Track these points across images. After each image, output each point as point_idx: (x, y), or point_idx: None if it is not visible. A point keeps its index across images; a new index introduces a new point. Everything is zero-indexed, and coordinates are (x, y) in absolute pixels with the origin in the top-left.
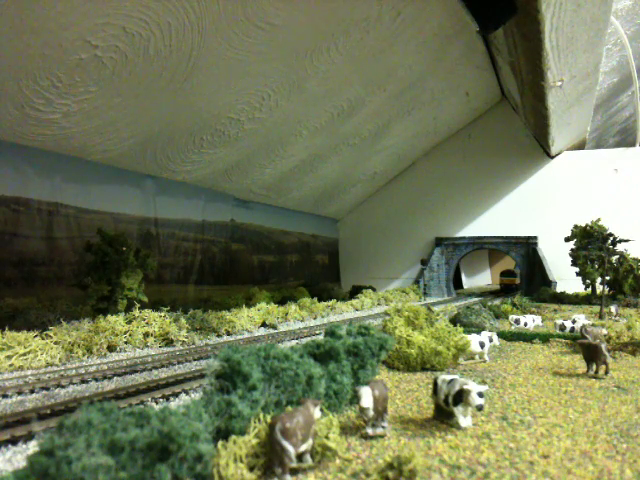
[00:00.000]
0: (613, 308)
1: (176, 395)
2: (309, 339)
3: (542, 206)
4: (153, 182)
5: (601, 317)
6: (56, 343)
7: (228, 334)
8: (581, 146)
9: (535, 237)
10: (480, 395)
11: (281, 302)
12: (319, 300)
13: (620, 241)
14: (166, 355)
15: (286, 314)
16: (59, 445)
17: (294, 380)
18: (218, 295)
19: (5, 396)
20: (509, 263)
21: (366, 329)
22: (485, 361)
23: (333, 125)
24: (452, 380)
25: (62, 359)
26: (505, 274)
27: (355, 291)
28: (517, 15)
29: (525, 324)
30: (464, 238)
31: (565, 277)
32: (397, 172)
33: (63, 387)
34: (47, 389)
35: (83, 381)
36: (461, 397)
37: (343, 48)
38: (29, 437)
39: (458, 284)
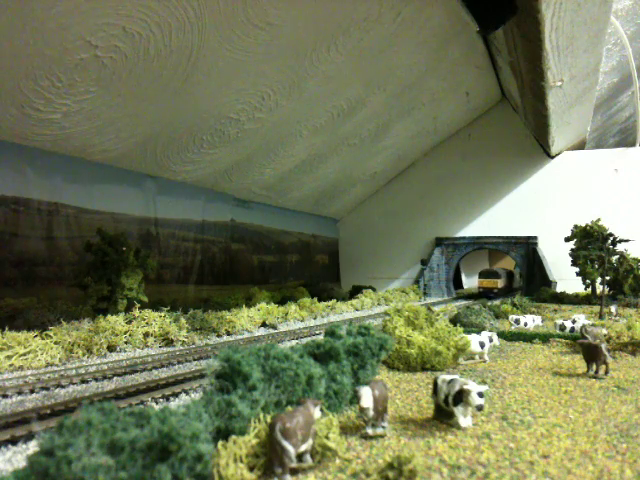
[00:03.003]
0: (613, 308)
1: (176, 395)
2: (309, 339)
3: (542, 206)
4: (153, 182)
5: (601, 317)
6: (56, 343)
7: (228, 334)
8: (581, 146)
9: (535, 237)
10: (480, 395)
11: (281, 302)
12: (319, 300)
13: (620, 241)
14: (166, 355)
15: (286, 314)
16: (59, 445)
17: (294, 380)
18: (218, 295)
19: (5, 396)
20: (509, 263)
21: (366, 329)
22: (485, 361)
23: (333, 125)
24: (452, 380)
25: (62, 359)
26: (485, 274)
27: (355, 291)
28: (517, 15)
29: (525, 324)
30: (464, 238)
31: (565, 277)
32: (397, 172)
33: (63, 387)
34: (47, 389)
35: (83, 381)
36: (461, 397)
37: (343, 48)
38: (29, 437)
39: (458, 284)
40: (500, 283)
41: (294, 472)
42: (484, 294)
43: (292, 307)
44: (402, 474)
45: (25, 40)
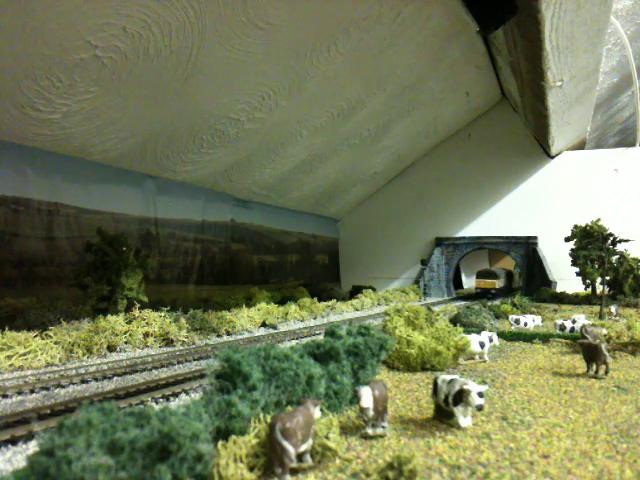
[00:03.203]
0: (613, 308)
1: (176, 395)
2: (309, 339)
3: (542, 206)
4: (153, 182)
5: (601, 317)
6: (56, 343)
7: (228, 334)
8: (581, 146)
9: (535, 237)
10: (480, 395)
11: (281, 302)
12: (319, 300)
13: (620, 241)
14: (166, 355)
15: (286, 314)
16: (59, 445)
17: (294, 380)
18: (218, 295)
19: (5, 396)
20: (509, 263)
21: (366, 329)
22: (485, 361)
23: (333, 125)
24: (452, 380)
25: (62, 359)
26: (482, 275)
27: (355, 291)
28: (517, 15)
29: (525, 324)
30: (464, 238)
31: (565, 277)
32: (397, 172)
33: (63, 387)
34: (47, 389)
35: (83, 381)
36: (461, 397)
37: (343, 48)
38: (29, 437)
39: (458, 284)
40: (498, 283)
41: (294, 472)
42: (481, 295)
43: (292, 307)
44: (402, 474)
45: (25, 40)
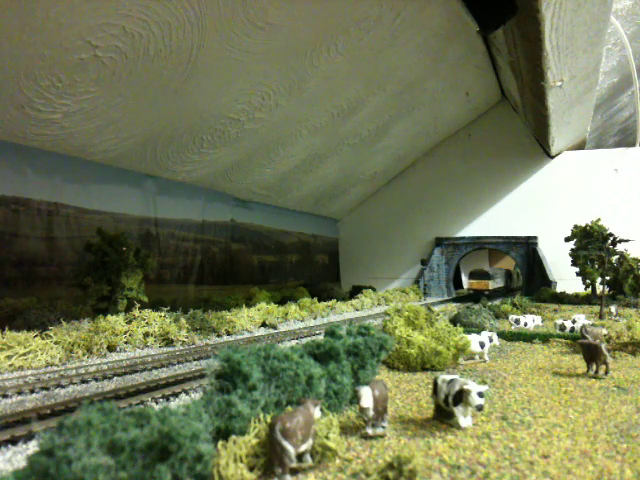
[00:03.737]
0: (613, 308)
1: (176, 395)
2: (309, 339)
3: (542, 206)
4: (153, 182)
5: (601, 317)
6: (56, 343)
7: (228, 334)
8: (581, 146)
9: (535, 237)
10: (480, 395)
11: (281, 302)
12: (319, 300)
13: (620, 241)
14: (166, 355)
15: (286, 314)
16: (59, 445)
17: (294, 380)
18: (218, 295)
19: (5, 396)
20: (509, 263)
21: (366, 329)
22: (485, 361)
23: (333, 125)
24: (452, 380)
25: (62, 359)
26: (475, 275)
27: (355, 291)
28: (517, 15)
29: (525, 324)
30: (464, 238)
31: (565, 277)
32: (397, 172)
33: (63, 387)
34: (47, 389)
35: (83, 381)
36: (461, 397)
37: (343, 48)
38: (29, 437)
39: (458, 284)
40: (492, 284)
41: (294, 472)
42: (475, 296)
43: (292, 307)
44: (402, 474)
45: (25, 40)
